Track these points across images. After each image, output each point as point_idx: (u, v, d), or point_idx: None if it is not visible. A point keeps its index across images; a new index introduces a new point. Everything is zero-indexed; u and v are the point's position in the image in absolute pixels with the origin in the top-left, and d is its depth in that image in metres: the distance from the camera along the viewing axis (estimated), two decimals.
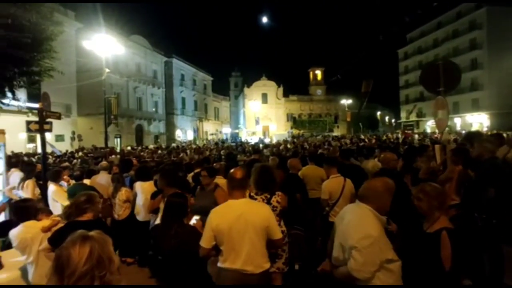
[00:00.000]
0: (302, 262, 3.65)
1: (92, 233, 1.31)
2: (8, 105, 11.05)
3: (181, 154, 12.80)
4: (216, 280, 2.43)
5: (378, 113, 67.04)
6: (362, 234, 1.97)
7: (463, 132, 28.98)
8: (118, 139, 31.03)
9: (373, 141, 15.11)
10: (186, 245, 2.33)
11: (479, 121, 39.97)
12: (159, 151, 15.07)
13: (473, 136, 5.15)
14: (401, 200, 3.44)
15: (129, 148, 19.10)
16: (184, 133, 43.93)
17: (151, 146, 22.54)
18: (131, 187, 4.93)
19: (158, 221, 3.63)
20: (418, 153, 6.43)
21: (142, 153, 14.50)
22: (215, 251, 2.38)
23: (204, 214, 2.68)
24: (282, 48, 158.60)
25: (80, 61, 25.00)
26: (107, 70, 13.80)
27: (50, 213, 3.69)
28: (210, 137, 45.04)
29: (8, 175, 5.50)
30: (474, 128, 37.01)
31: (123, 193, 4.73)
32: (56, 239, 2.46)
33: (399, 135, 24.92)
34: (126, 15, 52.75)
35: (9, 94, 10.39)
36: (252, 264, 2.27)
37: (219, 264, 2.37)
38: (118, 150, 19.82)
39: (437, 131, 12.63)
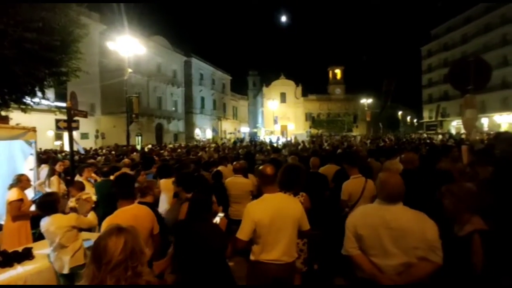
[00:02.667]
0: (321, 263, 3.63)
1: (126, 226, 1.39)
2: (38, 104, 11.58)
3: (200, 153, 12.96)
4: (250, 273, 2.52)
5: (400, 112, 65.24)
6: (433, 225, 2.05)
7: (491, 132, 27.79)
8: (139, 137, 31.79)
9: (392, 141, 14.70)
10: (209, 243, 2.37)
11: (508, 121, 38.02)
12: (178, 150, 15.34)
13: (503, 137, 4.94)
14: (423, 200, 3.36)
15: (149, 146, 19.56)
16: (203, 132, 44.46)
17: (171, 145, 22.99)
18: None
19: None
20: (441, 154, 6.25)
21: (161, 151, 14.82)
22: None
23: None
24: (300, 46, 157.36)
25: (103, 61, 25.80)
26: (129, 70, 14.16)
27: (82, 188, 4.12)
28: (228, 136, 45.36)
29: (39, 171, 5.76)
30: (503, 128, 35.26)
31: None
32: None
33: (424, 135, 24.11)
34: (147, 16, 53.81)
35: (39, 94, 10.89)
36: (287, 254, 2.44)
37: (253, 257, 2.49)
38: (139, 148, 20.38)
39: (463, 131, 12.16)
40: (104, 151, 15.95)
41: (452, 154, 5.74)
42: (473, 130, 5.01)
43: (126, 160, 6.82)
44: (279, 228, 2.42)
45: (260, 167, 2.77)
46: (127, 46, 14.35)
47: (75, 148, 13.41)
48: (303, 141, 19.53)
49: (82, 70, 11.82)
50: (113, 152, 14.70)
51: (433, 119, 47.34)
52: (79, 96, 7.91)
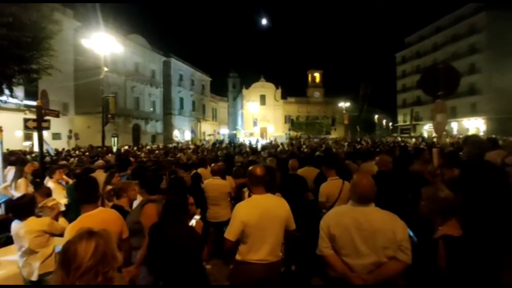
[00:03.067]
0: (299, 264, 3.67)
1: (98, 229, 1.33)
2: (5, 102, 11.00)
3: (179, 154, 12.77)
4: (234, 273, 2.53)
5: (376, 116, 67.29)
6: (402, 225, 2.15)
7: (460, 136, 29.27)
8: (115, 139, 30.84)
9: (369, 144, 15.13)
10: (184, 246, 2.34)
11: (476, 125, 40.21)
12: (156, 151, 15.03)
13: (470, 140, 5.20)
14: (396, 201, 3.47)
15: (126, 147, 19.04)
16: (182, 134, 43.85)
17: (148, 146, 22.49)
18: None
19: None
20: (414, 156, 6.50)
21: (138, 153, 14.47)
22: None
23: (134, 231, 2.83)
24: (280, 50, 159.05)
25: (78, 59, 24.91)
26: (105, 69, 13.75)
27: (48, 194, 3.83)
28: (207, 138, 44.98)
29: (5, 173, 5.47)
30: (471, 132, 37.21)
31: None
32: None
33: (398, 139, 24.96)
34: (124, 14, 52.68)
35: (7, 92, 10.35)
36: (273, 254, 2.50)
37: (239, 257, 2.50)
38: (114, 149, 19.77)
39: (434, 134, 12.71)
40: (77, 152, 15.35)
41: (423, 156, 5.99)
42: (443, 133, 5.24)
43: (100, 161, 6.58)
44: (266, 228, 2.47)
45: (250, 168, 2.80)
46: (103, 44, 13.94)
47: (45, 149, 12.85)
48: (282, 143, 19.70)
49: (55, 68, 11.36)
50: (87, 154, 14.18)
51: (407, 123, 49.27)
52: (51, 94, 7.59)
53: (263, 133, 51.48)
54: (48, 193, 3.95)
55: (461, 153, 4.26)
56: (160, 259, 2.36)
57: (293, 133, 49.92)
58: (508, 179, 4.10)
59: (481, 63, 40.58)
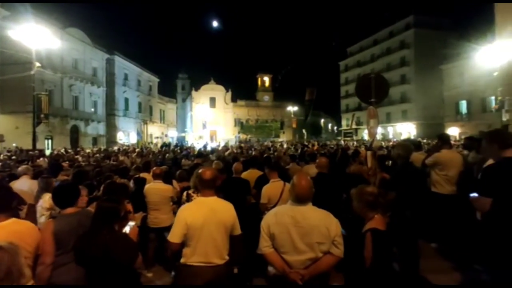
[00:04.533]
0: (241, 266, 3.70)
1: (3, 243, 1.19)
2: None
3: (122, 158, 12.06)
4: (178, 276, 2.52)
5: (322, 120, 70.97)
6: (336, 222, 2.27)
7: (394, 139, 32.18)
8: (49, 141, 28.15)
9: (316, 147, 15.88)
10: (114, 253, 2.20)
11: (407, 130, 44.78)
12: (97, 155, 14.00)
13: (399, 144, 5.77)
14: (333, 200, 3.72)
15: (62, 150, 17.41)
16: (127, 136, 41.51)
17: (88, 149, 20.84)
18: None
19: None
20: (352, 158, 7.01)
21: (76, 156, 13.35)
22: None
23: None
24: (231, 53, 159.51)
25: (5, 52, 22.23)
26: (37, 64, 12.49)
27: None
28: (155, 141, 43.22)
29: None
30: (404, 136, 41.28)
31: (47, 199, 4.20)
32: None
33: (341, 142, 26.56)
34: (63, 6, 48.30)
35: None
36: (218, 257, 2.49)
37: (183, 260, 2.46)
38: (48, 152, 17.99)
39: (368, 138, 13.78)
40: (2, 156, 13.61)
41: (359, 158, 6.49)
42: (375, 137, 5.71)
43: (24, 166, 5.80)
44: (211, 231, 2.46)
45: (200, 170, 2.78)
46: (35, 36, 12.66)
47: None
48: (231, 146, 19.74)
49: None
50: (14, 157, 12.66)
51: (350, 127, 52.82)
52: None
53: (212, 136, 51.04)
54: None
55: (393, 155, 4.72)
56: (86, 267, 2.21)
57: (243, 136, 50.33)
58: (426, 179, 4.65)
59: (410, 74, 45.75)
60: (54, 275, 2.42)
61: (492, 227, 2.38)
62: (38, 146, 20.90)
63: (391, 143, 20.52)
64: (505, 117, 15.65)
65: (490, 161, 2.67)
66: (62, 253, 2.48)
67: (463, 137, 19.52)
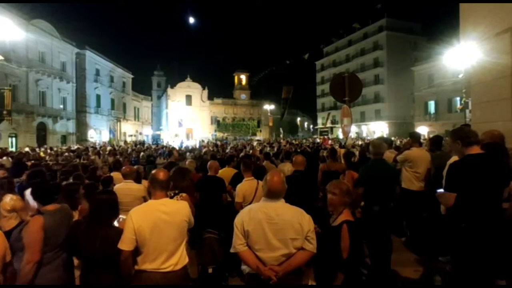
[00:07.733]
0: (216, 266, 3.66)
1: None
2: None
3: (93, 157, 11.60)
4: (134, 284, 2.34)
5: (298, 119, 71.87)
6: (308, 218, 2.29)
7: (368, 138, 33.20)
8: (13, 139, 26.58)
9: (288, 146, 15.96)
10: (113, 247, 2.20)
11: (381, 129, 46.38)
12: (66, 153, 13.37)
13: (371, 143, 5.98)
14: (308, 197, 3.77)
15: (27, 149, 16.46)
16: (99, 134, 39.99)
17: (56, 148, 19.86)
18: (22, 194, 4.22)
19: None
20: (329, 156, 7.13)
21: (43, 155, 12.69)
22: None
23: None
24: (207, 51, 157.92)
25: None
26: (0, 57, 11.70)
27: None
28: (129, 139, 41.95)
29: None
30: (377, 134, 42.72)
31: (8, 201, 3.95)
32: None
33: (318, 140, 27.00)
34: None
35: None
36: (173, 262, 2.35)
37: (136, 267, 2.32)
38: (13, 151, 16.96)
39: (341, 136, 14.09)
40: None
41: (335, 156, 6.62)
42: (353, 136, 5.87)
43: None
44: (162, 235, 2.33)
45: (154, 171, 2.66)
46: None
47: None
48: (207, 143, 19.53)
49: None
50: None
51: (325, 126, 53.86)
52: None
53: (189, 134, 50.31)
54: None
55: (367, 152, 4.85)
56: (85, 260, 2.19)
57: (219, 134, 49.99)
58: (398, 175, 4.83)
59: (383, 75, 47.34)
60: (38, 274, 2.32)
61: (455, 221, 2.49)
62: (1, 144, 19.67)
63: (364, 141, 21.12)
64: (468, 117, 16.57)
65: (454, 158, 2.80)
66: (47, 251, 2.38)
67: (431, 135, 20.46)
